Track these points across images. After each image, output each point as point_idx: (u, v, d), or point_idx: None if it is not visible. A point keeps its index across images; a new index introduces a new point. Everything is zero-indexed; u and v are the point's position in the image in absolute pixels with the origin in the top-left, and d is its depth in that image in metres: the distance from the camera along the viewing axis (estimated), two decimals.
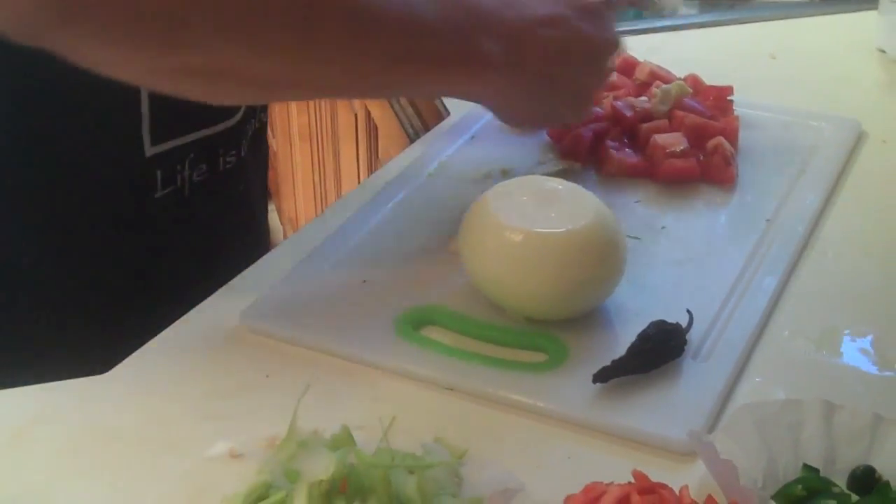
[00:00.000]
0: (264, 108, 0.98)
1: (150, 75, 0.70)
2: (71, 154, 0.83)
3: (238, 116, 0.90)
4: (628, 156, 0.97)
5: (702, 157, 0.96)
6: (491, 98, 0.87)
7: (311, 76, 0.74)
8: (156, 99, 0.82)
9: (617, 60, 0.94)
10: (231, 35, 0.67)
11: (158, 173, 0.86)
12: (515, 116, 0.91)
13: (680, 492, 0.58)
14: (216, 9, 0.66)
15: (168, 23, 0.65)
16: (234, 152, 0.92)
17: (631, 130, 1.00)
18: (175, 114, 0.84)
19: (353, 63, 0.74)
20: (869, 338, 0.79)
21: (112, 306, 0.89)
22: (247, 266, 0.85)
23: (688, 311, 0.76)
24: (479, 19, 0.79)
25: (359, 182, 1.72)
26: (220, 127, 0.89)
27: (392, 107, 1.34)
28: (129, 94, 0.80)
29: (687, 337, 0.75)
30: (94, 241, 0.87)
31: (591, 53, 0.87)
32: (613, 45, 0.89)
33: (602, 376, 0.71)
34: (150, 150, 0.84)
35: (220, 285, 0.82)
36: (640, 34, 1.30)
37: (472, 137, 1.03)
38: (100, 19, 0.64)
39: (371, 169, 1.68)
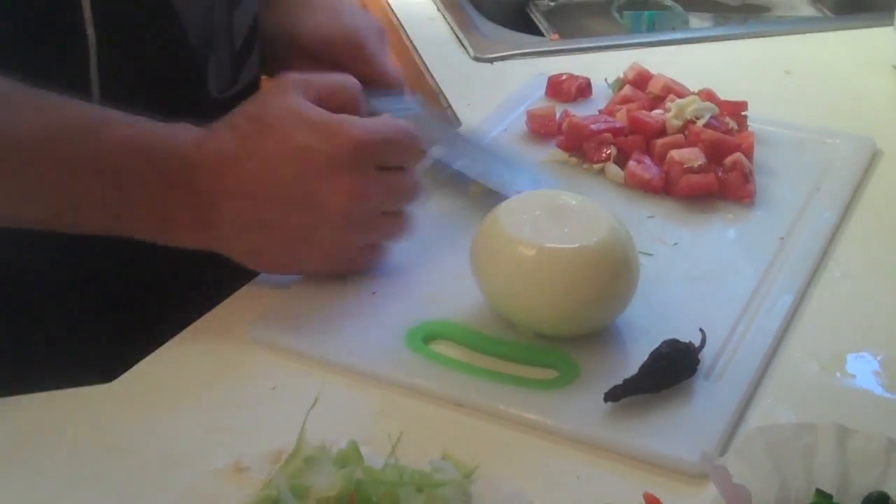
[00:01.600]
0: None
1: None
2: None
3: None
4: (646, 170, 0.96)
5: (720, 173, 0.95)
6: (199, 245, 0.79)
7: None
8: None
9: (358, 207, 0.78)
10: None
11: None
12: (248, 264, 0.81)
13: None
14: None
15: None
16: None
17: (647, 145, 0.99)
18: None
19: (22, 207, 0.75)
20: (881, 360, 0.78)
21: (118, 316, 0.88)
22: (242, 282, 0.84)
23: (700, 331, 0.75)
24: (166, 168, 0.76)
25: None
26: None
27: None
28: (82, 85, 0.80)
29: (700, 356, 0.74)
30: (97, 251, 0.86)
31: (301, 201, 0.77)
32: (344, 194, 0.76)
33: (614, 395, 0.70)
34: None
35: (218, 300, 0.82)
36: (653, 47, 1.29)
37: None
38: None
39: None
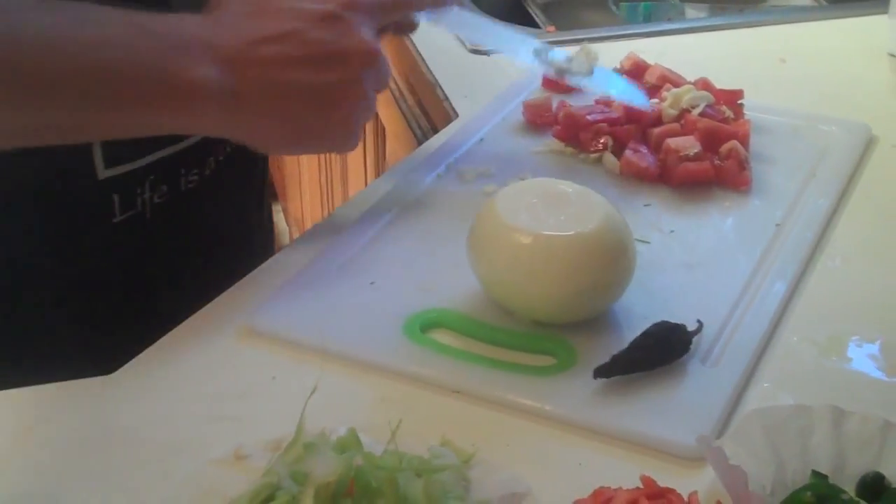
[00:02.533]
0: None
1: None
2: (26, 178, 0.82)
3: (197, 137, 0.87)
4: (642, 159, 0.97)
5: (716, 161, 0.96)
6: (226, 130, 0.78)
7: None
8: None
9: (383, 71, 0.81)
10: None
11: (115, 197, 0.84)
12: (266, 141, 0.81)
13: (689, 498, 0.57)
14: None
15: None
16: (196, 172, 0.89)
17: (643, 134, 1.00)
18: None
19: (40, 116, 0.71)
20: (878, 344, 0.79)
21: (117, 308, 0.89)
22: (241, 274, 0.84)
23: (698, 321, 0.76)
24: (183, 44, 0.73)
25: (366, 184, 1.72)
26: (181, 146, 0.86)
27: (400, 108, 1.34)
28: None
29: (694, 340, 0.74)
30: (96, 245, 0.86)
31: (334, 64, 0.77)
32: (363, 52, 0.78)
33: (604, 371, 0.71)
34: (103, 174, 0.82)
35: (214, 293, 0.82)
36: (649, 37, 1.29)
37: (481, 140, 1.03)
38: None
39: (378, 170, 1.68)
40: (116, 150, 0.82)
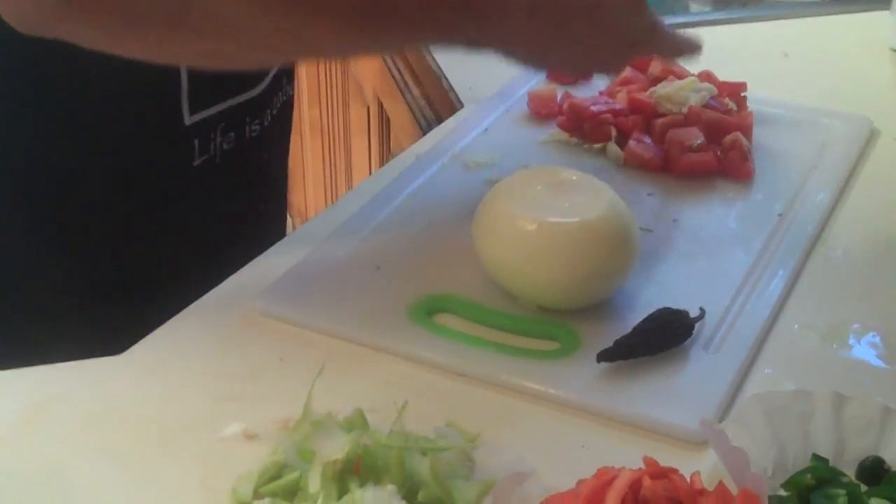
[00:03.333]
0: (290, 81, 0.99)
1: (153, 58, 0.73)
2: (111, 127, 0.84)
3: (263, 87, 0.92)
4: (645, 150, 0.98)
5: (719, 153, 0.97)
6: (508, 42, 0.81)
7: (305, 42, 0.75)
8: (193, 69, 0.83)
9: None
10: (225, 29, 0.70)
11: (196, 142, 0.88)
12: (542, 59, 0.85)
13: (691, 478, 0.58)
14: (210, 7, 0.68)
15: (166, 17, 0.68)
16: (258, 121, 0.93)
17: (646, 125, 1.01)
18: (210, 83, 0.85)
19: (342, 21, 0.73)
20: (878, 332, 0.80)
21: (128, 289, 0.90)
22: (267, 241, 0.85)
23: (701, 308, 0.77)
24: None
25: (370, 175, 1.73)
26: (247, 96, 0.90)
27: (405, 99, 1.35)
28: (168, 65, 0.82)
29: (696, 326, 0.75)
30: (117, 219, 0.88)
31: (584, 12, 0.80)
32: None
33: (607, 355, 0.72)
34: (189, 120, 0.86)
35: (242, 260, 0.83)
36: None
37: (486, 129, 1.04)
38: (98, 16, 0.67)
39: (383, 162, 1.68)
40: (199, 97, 0.85)
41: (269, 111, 0.95)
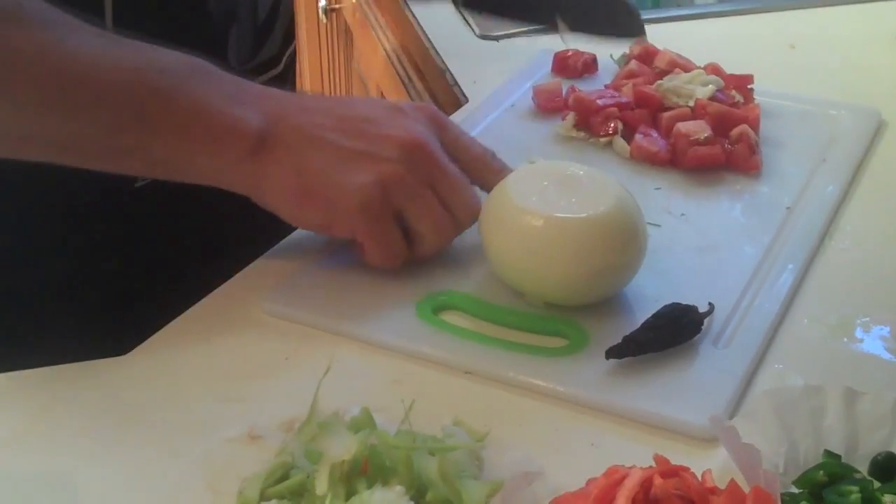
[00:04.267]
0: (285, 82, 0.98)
1: None
2: None
3: None
4: (652, 143, 0.97)
5: (727, 145, 0.96)
6: (244, 178, 0.77)
7: (18, 139, 0.73)
8: None
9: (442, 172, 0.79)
10: None
11: None
12: (277, 198, 0.77)
13: (703, 476, 0.58)
14: None
15: None
16: None
17: (653, 118, 1.00)
18: None
19: (67, 127, 0.73)
20: (888, 326, 0.79)
21: (132, 289, 0.89)
22: (274, 239, 0.85)
23: (710, 304, 0.76)
24: (236, 91, 0.76)
25: None
26: None
27: (409, 94, 1.34)
28: None
29: (706, 322, 0.75)
30: (112, 225, 0.87)
31: (371, 139, 0.77)
32: (407, 139, 0.77)
33: (615, 352, 0.71)
34: None
35: (248, 259, 0.83)
36: (659, 23, 1.29)
37: (491, 124, 1.03)
38: None
39: None
40: None
41: None
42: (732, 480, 0.57)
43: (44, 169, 0.82)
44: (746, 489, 0.57)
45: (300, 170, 0.75)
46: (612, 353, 0.72)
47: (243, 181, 0.76)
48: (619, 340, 0.72)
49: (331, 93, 2.13)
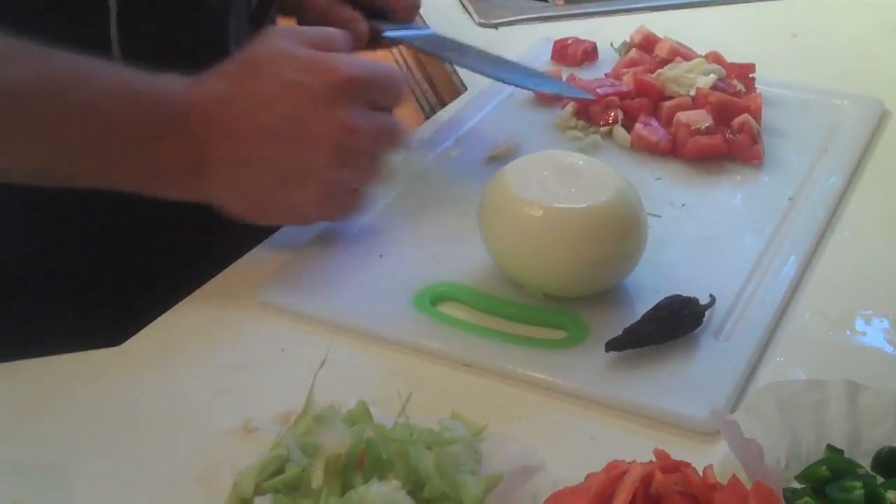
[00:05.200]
0: None
1: None
2: None
3: None
4: (652, 132, 0.96)
5: (728, 135, 0.95)
6: (197, 198, 0.78)
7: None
8: None
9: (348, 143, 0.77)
10: None
11: None
12: (235, 212, 0.78)
13: (704, 471, 0.57)
14: None
15: None
16: None
17: (653, 108, 0.99)
18: None
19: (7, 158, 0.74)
20: (890, 318, 0.78)
21: (126, 280, 0.88)
22: (269, 229, 0.84)
23: (711, 296, 0.75)
24: (165, 117, 0.75)
25: None
26: None
27: (408, 83, 1.33)
28: None
29: (707, 314, 0.74)
30: (105, 214, 0.86)
31: (303, 144, 0.76)
32: (337, 132, 0.76)
33: (615, 344, 0.71)
34: None
35: (243, 250, 0.82)
36: (660, 11, 1.28)
37: (490, 112, 1.02)
38: None
39: None
40: None
41: None
42: (734, 476, 0.56)
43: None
44: (747, 484, 0.56)
45: (246, 195, 0.77)
46: (611, 345, 0.71)
47: (199, 199, 0.77)
48: (619, 332, 0.72)
49: None
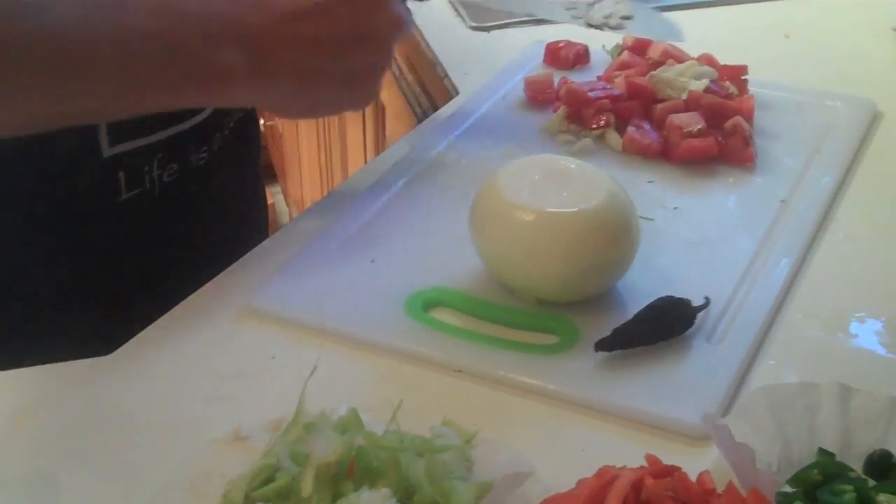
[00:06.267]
0: None
1: None
2: (29, 156, 0.80)
3: (206, 113, 0.87)
4: (644, 136, 0.96)
5: (720, 138, 0.95)
6: (249, 103, 0.81)
7: (28, 117, 0.71)
8: None
9: (401, 36, 0.81)
10: None
11: (121, 175, 0.84)
12: (286, 113, 0.84)
13: (700, 477, 0.56)
14: None
15: None
16: (205, 149, 0.89)
17: (645, 110, 0.99)
18: None
19: (72, 103, 0.70)
20: (883, 320, 0.78)
21: (116, 288, 0.88)
22: (240, 254, 0.83)
23: (706, 298, 0.75)
24: (212, 30, 0.72)
25: (365, 163, 1.71)
26: (188, 125, 0.86)
27: (400, 86, 1.33)
28: None
29: (699, 317, 0.74)
30: (96, 225, 0.86)
31: (362, 45, 0.78)
32: (391, 26, 0.79)
33: (605, 344, 0.71)
34: (108, 151, 0.82)
35: (211, 276, 0.81)
36: None
37: (482, 116, 1.02)
38: None
39: (378, 150, 1.66)
40: (121, 128, 0.81)
41: (218, 134, 0.90)
42: (731, 482, 0.56)
43: (22, 173, 0.82)
44: (739, 489, 0.56)
45: (309, 96, 0.78)
46: (601, 345, 0.71)
47: (254, 104, 0.82)
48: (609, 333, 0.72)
49: None
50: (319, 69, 0.76)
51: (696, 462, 0.61)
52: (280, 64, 0.75)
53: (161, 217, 0.88)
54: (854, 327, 0.77)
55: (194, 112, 0.86)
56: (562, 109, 1.00)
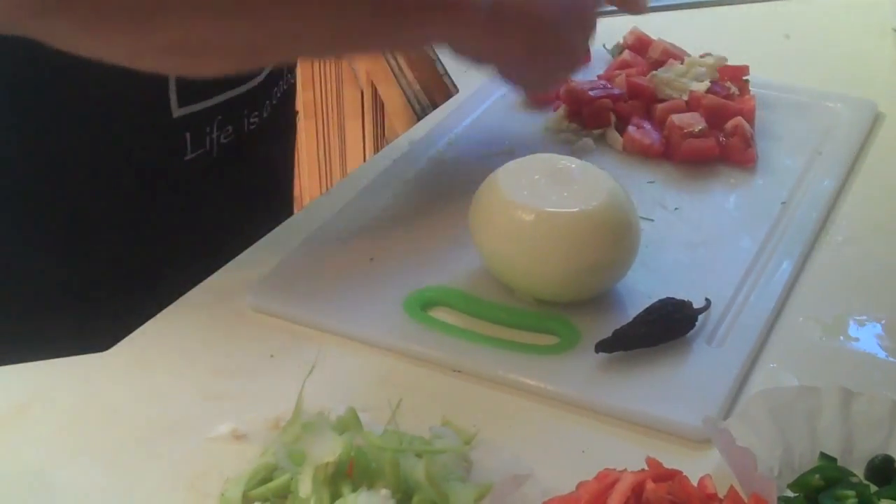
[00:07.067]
0: (291, 70, 0.98)
1: (132, 57, 0.70)
2: (96, 119, 0.82)
3: (261, 77, 0.90)
4: (645, 136, 0.95)
5: (721, 138, 0.94)
6: (475, 46, 0.83)
7: (291, 39, 0.73)
8: None
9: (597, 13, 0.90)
10: (207, 10, 0.68)
11: (188, 135, 0.86)
12: (510, 71, 0.87)
13: (701, 482, 0.56)
14: None
15: (144, 5, 0.66)
16: (257, 114, 0.92)
17: (646, 110, 0.98)
18: None
19: (333, 20, 0.73)
20: (883, 323, 0.78)
21: (114, 284, 0.88)
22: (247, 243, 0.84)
23: (706, 299, 0.75)
24: None
25: (365, 160, 1.71)
26: (245, 88, 0.89)
27: (399, 84, 1.32)
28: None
29: (700, 319, 0.73)
30: (94, 222, 0.85)
31: (580, 23, 0.86)
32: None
33: (606, 346, 0.70)
34: (177, 112, 0.84)
35: (243, 250, 0.82)
36: (653, 12, 1.27)
37: (482, 114, 1.02)
38: (77, 8, 0.65)
39: (377, 147, 1.66)
40: (189, 90, 0.84)
41: (268, 102, 0.93)
42: (732, 487, 0.56)
43: (24, 166, 0.81)
44: (741, 493, 0.55)
45: (532, 48, 0.83)
46: (601, 346, 0.71)
47: (472, 48, 0.83)
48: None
49: (321, 80, 2.11)
50: (545, 26, 0.83)
51: (697, 466, 0.61)
52: (514, 9, 0.80)
53: (220, 177, 0.90)
54: (855, 330, 0.77)
55: (250, 77, 0.88)
56: (562, 109, 1.00)
